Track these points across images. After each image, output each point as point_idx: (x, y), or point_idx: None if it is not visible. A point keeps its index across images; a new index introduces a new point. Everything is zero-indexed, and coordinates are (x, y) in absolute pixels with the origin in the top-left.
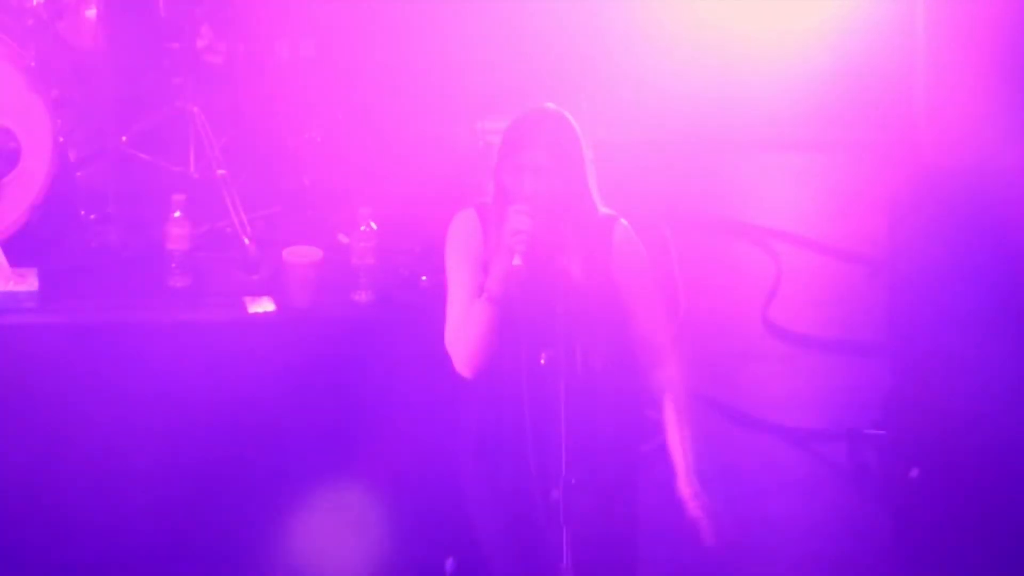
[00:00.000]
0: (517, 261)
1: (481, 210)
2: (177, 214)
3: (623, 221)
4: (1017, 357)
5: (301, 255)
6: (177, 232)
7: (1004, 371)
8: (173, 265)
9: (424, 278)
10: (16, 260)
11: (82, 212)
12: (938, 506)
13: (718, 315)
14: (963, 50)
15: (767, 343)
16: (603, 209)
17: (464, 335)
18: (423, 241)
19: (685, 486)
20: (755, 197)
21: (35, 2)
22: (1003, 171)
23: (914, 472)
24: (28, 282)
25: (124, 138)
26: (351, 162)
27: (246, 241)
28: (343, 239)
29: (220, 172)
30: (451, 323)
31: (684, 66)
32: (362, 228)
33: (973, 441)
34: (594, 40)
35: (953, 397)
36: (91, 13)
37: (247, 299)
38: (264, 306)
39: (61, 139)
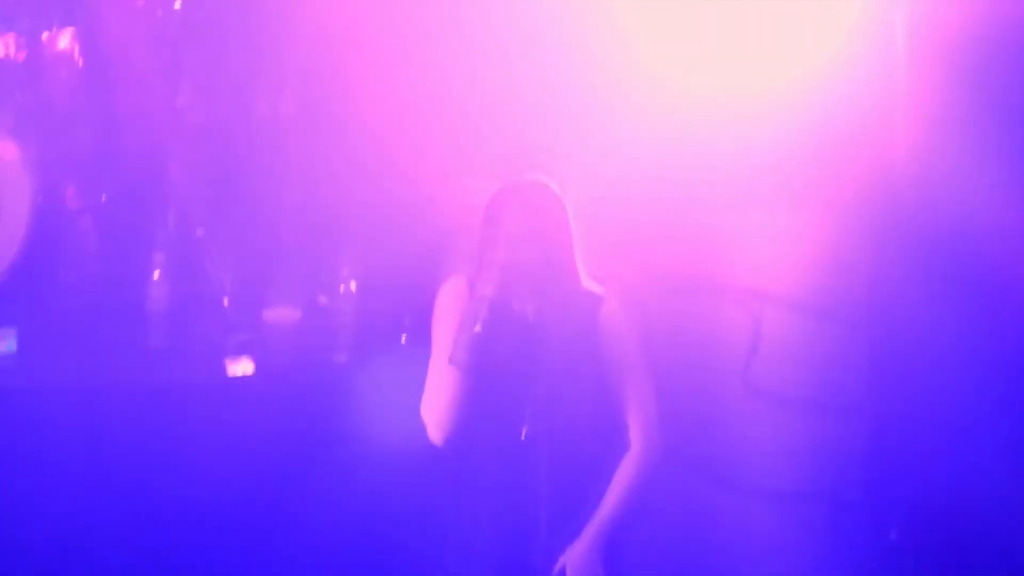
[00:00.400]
0: (477, 328)
1: (471, 279)
2: (156, 274)
3: (611, 300)
4: (998, 419)
5: (281, 316)
6: (156, 293)
7: (984, 433)
8: (152, 326)
9: (404, 337)
10: None
11: (61, 271)
12: (917, 569)
13: (696, 375)
14: (946, 99)
15: (746, 403)
16: (588, 283)
17: (433, 402)
18: (404, 302)
19: (587, 537)
20: (734, 255)
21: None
22: (988, 227)
23: (893, 534)
24: (6, 343)
25: (104, 196)
26: (332, 222)
27: (225, 301)
28: (323, 300)
29: (199, 231)
30: (425, 390)
31: (664, 123)
32: (341, 289)
33: (952, 504)
34: (580, 101)
35: (933, 459)
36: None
37: (227, 360)
38: (243, 367)
39: (40, 197)
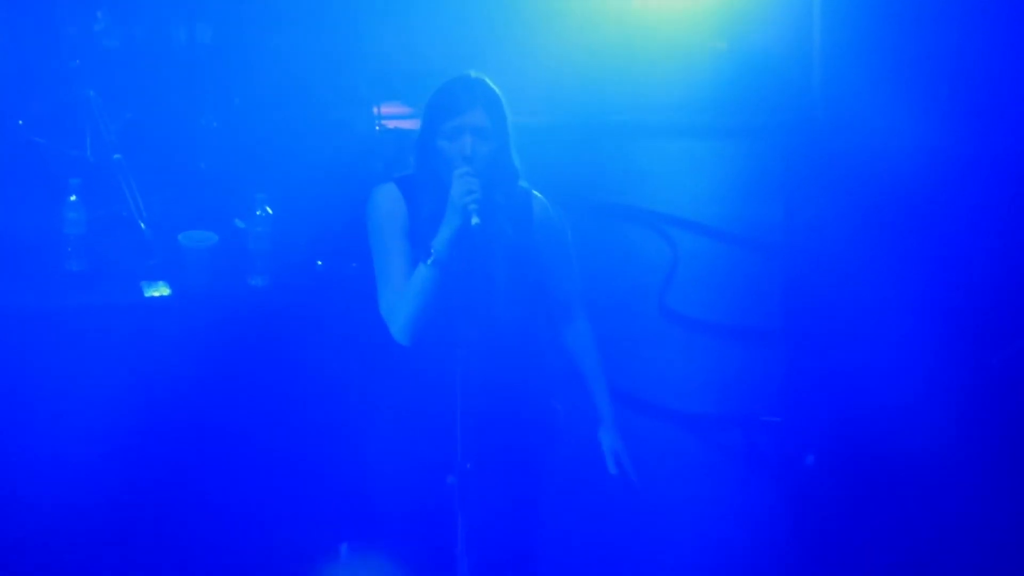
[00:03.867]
0: (476, 220)
1: (402, 183)
2: (73, 198)
3: (537, 193)
4: (913, 343)
5: (197, 240)
6: (73, 216)
7: (899, 357)
8: (69, 249)
9: (320, 262)
10: None
11: None
12: (833, 493)
13: (614, 300)
14: (858, 33)
15: (663, 328)
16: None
17: (407, 302)
18: (319, 225)
19: (609, 438)
20: (652, 183)
21: None
22: (899, 154)
23: (809, 459)
24: None
25: (20, 121)
26: (247, 147)
27: (142, 225)
28: (239, 224)
29: (116, 156)
30: (388, 293)
31: (582, 51)
32: (258, 213)
33: (868, 428)
34: (490, 25)
35: (848, 384)
36: None
37: (143, 283)
38: (160, 290)
39: None
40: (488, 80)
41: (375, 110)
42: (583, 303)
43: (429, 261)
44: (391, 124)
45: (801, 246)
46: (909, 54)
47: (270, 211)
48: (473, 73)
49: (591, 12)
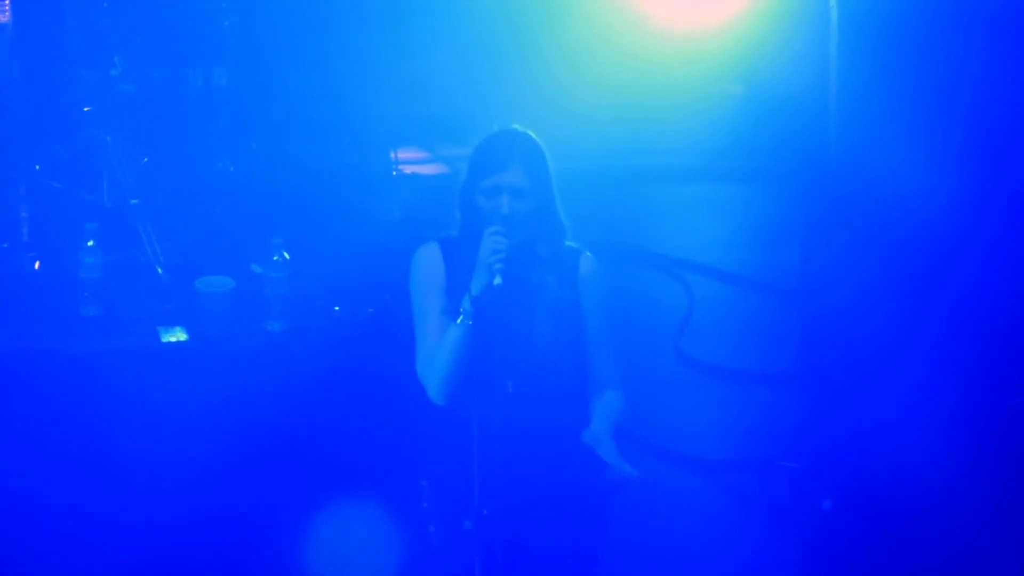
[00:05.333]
0: (498, 280)
1: (443, 243)
2: (90, 243)
3: (588, 253)
4: (930, 387)
5: (214, 285)
6: (90, 261)
7: (917, 403)
8: (86, 294)
9: (337, 308)
10: None
11: None
12: (849, 538)
13: (630, 344)
14: (875, 77)
15: (679, 373)
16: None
17: (439, 361)
18: (336, 271)
19: (596, 431)
20: (668, 227)
21: None
22: (915, 198)
23: (826, 504)
24: None
25: (37, 166)
26: (264, 191)
27: (159, 270)
28: (256, 269)
29: (133, 201)
30: (423, 352)
31: (598, 97)
32: (275, 258)
33: (885, 473)
34: (506, 71)
35: (866, 429)
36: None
37: (160, 328)
38: (177, 335)
39: None
40: (531, 134)
41: (392, 155)
42: (619, 374)
43: (458, 320)
44: (408, 169)
45: (818, 290)
46: (925, 98)
47: (287, 256)
48: (517, 127)
49: (607, 58)
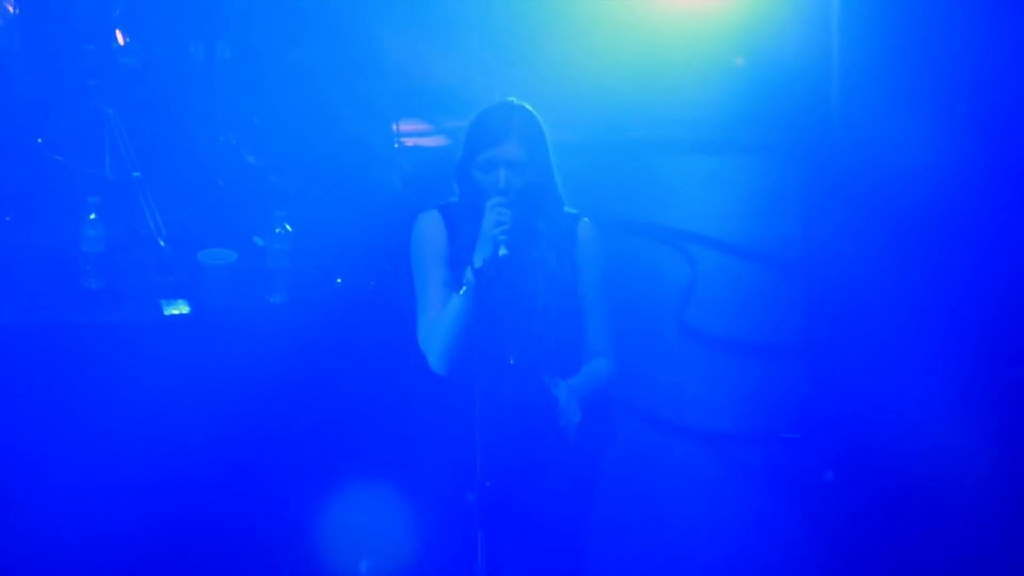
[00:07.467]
0: (503, 251)
1: (444, 210)
2: (92, 216)
3: (586, 219)
4: (933, 359)
5: (216, 257)
6: (92, 234)
7: (919, 373)
8: (88, 267)
9: (339, 280)
10: None
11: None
12: (852, 509)
13: (633, 317)
14: (876, 49)
15: (682, 345)
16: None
17: (441, 331)
18: (338, 243)
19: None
20: (670, 199)
21: None
22: (917, 170)
23: (828, 475)
24: None
25: (39, 140)
26: (266, 164)
27: (161, 243)
28: (258, 241)
29: (135, 174)
30: (425, 322)
31: (599, 68)
32: (277, 230)
33: (887, 444)
34: (508, 42)
35: (868, 400)
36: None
37: (162, 301)
38: (179, 308)
39: None
40: (528, 107)
41: (394, 127)
42: (611, 342)
43: (461, 291)
44: (410, 141)
45: (820, 262)
46: (927, 70)
47: (289, 228)
48: (513, 100)
49: (610, 29)
